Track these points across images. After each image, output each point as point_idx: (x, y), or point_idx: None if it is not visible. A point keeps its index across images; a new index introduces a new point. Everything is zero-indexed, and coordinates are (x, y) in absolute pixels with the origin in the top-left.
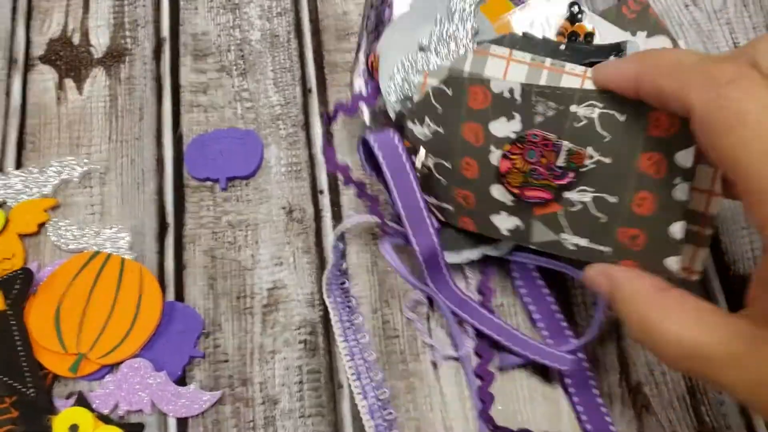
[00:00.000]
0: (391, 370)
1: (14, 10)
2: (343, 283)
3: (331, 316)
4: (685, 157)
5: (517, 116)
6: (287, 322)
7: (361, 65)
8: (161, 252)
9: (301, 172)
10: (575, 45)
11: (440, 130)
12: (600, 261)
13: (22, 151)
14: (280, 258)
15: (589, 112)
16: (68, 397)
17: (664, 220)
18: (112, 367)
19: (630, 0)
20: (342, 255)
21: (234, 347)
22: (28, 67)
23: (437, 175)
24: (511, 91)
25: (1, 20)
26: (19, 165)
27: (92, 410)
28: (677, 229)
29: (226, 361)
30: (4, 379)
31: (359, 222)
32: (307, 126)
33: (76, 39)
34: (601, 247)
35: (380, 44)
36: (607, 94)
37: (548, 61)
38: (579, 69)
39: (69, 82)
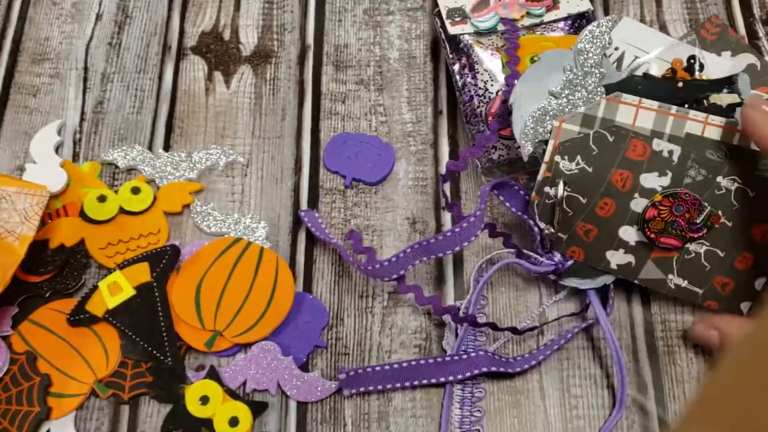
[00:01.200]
0: (498, 384)
1: (171, 0)
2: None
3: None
4: None
5: (669, 174)
6: (404, 325)
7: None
8: (294, 245)
9: (427, 188)
10: (692, 81)
11: (588, 169)
12: (691, 300)
13: (171, 134)
14: None
15: (730, 184)
16: (198, 369)
17: (754, 275)
18: (243, 347)
19: (707, 23)
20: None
21: (354, 342)
22: (180, 55)
23: (565, 207)
24: (670, 152)
25: (158, 9)
26: (167, 147)
27: (221, 384)
28: (760, 283)
29: (347, 354)
30: (145, 345)
31: (502, 265)
32: (435, 145)
33: (226, 35)
34: (696, 289)
35: (513, 94)
36: (745, 173)
37: (674, 108)
38: (701, 116)
39: (218, 75)
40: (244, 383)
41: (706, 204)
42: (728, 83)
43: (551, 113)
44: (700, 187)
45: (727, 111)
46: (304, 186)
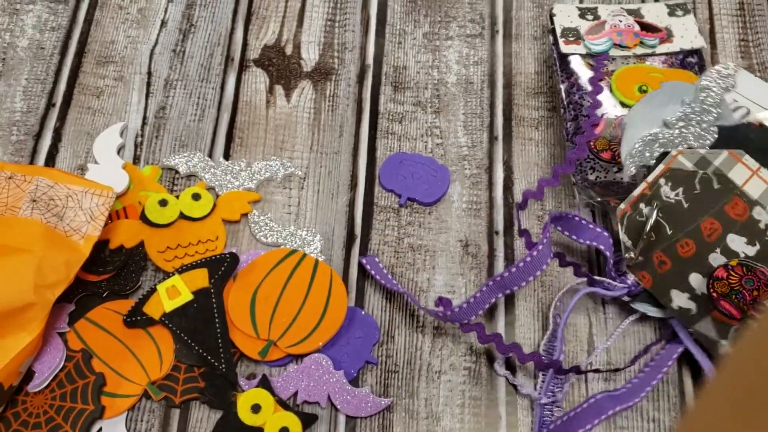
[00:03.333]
0: None
1: (235, 12)
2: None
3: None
4: None
5: (758, 246)
6: (454, 347)
7: (575, 149)
8: (347, 260)
9: (480, 212)
10: None
11: (684, 204)
12: None
13: (231, 144)
14: (453, 287)
15: None
16: (249, 377)
17: None
18: (295, 358)
19: None
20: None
21: (404, 360)
22: (243, 67)
23: (650, 230)
24: (767, 226)
25: (222, 20)
26: (227, 156)
27: (273, 394)
28: None
29: (397, 372)
30: (199, 350)
31: (581, 295)
32: (490, 170)
33: (288, 50)
34: None
35: (628, 115)
36: None
37: None
38: None
39: (279, 89)
40: (295, 394)
41: None
42: None
43: (661, 141)
44: None
45: None
46: (359, 202)
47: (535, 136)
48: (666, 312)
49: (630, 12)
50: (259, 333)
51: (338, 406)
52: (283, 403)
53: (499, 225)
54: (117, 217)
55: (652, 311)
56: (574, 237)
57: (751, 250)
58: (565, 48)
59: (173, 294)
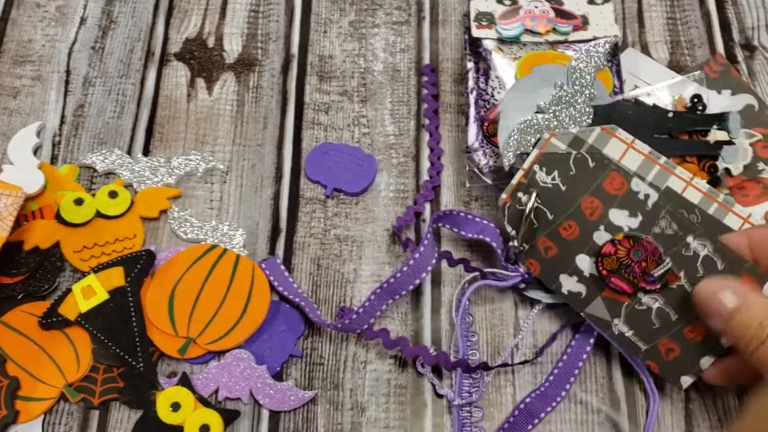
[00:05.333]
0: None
1: (156, 6)
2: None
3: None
4: None
5: (640, 217)
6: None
7: (473, 132)
8: (272, 253)
9: (407, 200)
10: (681, 114)
11: (562, 187)
12: (631, 351)
13: (151, 139)
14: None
15: (700, 248)
16: (170, 376)
17: (701, 351)
18: (216, 355)
19: (711, 61)
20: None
21: (330, 352)
22: (163, 61)
23: (532, 218)
24: (647, 196)
25: (143, 15)
26: (146, 152)
27: (193, 392)
28: (706, 361)
29: (322, 364)
30: (117, 350)
31: (471, 291)
32: (417, 158)
33: (210, 42)
34: (640, 343)
35: (502, 103)
36: (721, 244)
37: (663, 159)
38: (686, 175)
39: (200, 82)
40: (216, 391)
41: (668, 259)
42: (719, 120)
43: (536, 127)
44: (668, 240)
45: (715, 147)
46: (284, 195)
47: (461, 122)
48: (557, 297)
49: None
50: (177, 330)
51: (260, 401)
52: (203, 401)
53: (426, 213)
54: (33, 218)
55: (545, 297)
56: (462, 232)
57: (634, 222)
58: (476, 32)
59: (89, 294)
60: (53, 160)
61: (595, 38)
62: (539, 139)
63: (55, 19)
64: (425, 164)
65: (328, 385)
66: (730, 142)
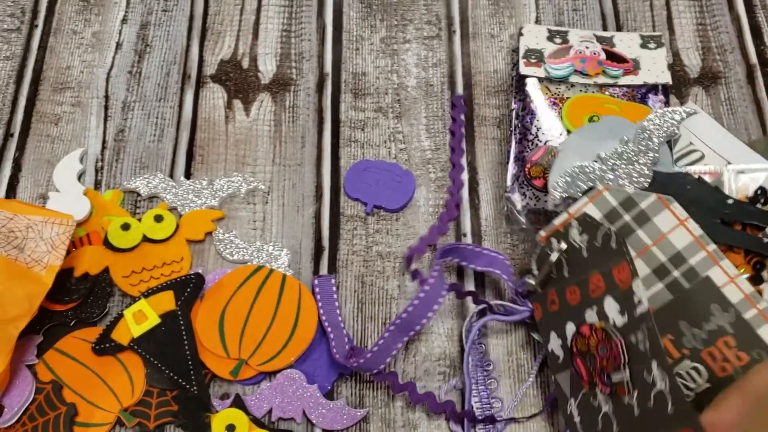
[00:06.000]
0: None
1: (190, 29)
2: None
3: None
4: None
5: (626, 319)
6: (428, 352)
7: (511, 171)
8: (316, 272)
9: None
10: (742, 204)
11: (585, 252)
12: None
13: (192, 161)
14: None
15: (659, 380)
16: (222, 397)
17: None
18: (267, 375)
19: None
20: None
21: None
22: (200, 83)
23: (552, 267)
24: (639, 302)
25: (178, 38)
26: (188, 175)
27: (247, 413)
28: None
29: (371, 381)
30: (170, 374)
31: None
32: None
33: (245, 63)
34: None
35: (563, 143)
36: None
37: (712, 246)
38: (732, 271)
39: (237, 103)
40: (270, 411)
41: (626, 371)
42: None
43: (590, 175)
44: (637, 355)
45: (765, 246)
46: (325, 213)
47: (497, 134)
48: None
49: (601, 39)
50: (229, 353)
51: (314, 421)
52: (257, 422)
53: (467, 227)
54: (80, 244)
55: (539, 338)
56: (471, 266)
57: (620, 320)
58: (524, 69)
59: (140, 318)
60: (97, 185)
61: (645, 84)
62: (591, 188)
63: (91, 45)
64: (462, 177)
65: (379, 403)
66: None
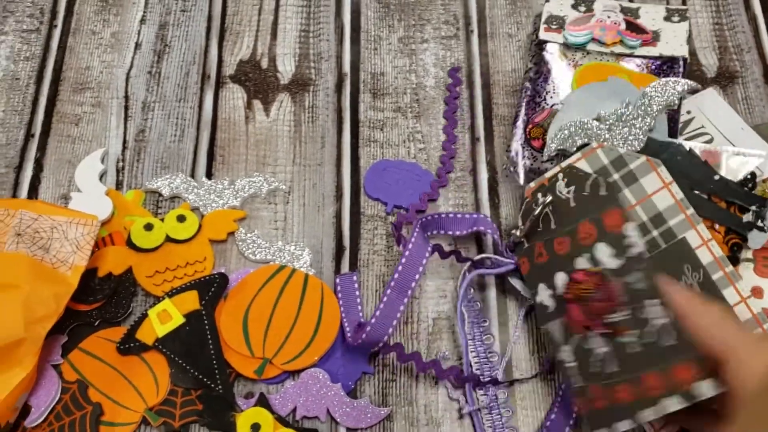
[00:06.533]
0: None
1: (208, 29)
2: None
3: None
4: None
5: (622, 262)
6: (451, 351)
7: (519, 132)
8: (337, 272)
9: None
10: (728, 181)
11: (572, 203)
12: (567, 381)
13: (213, 162)
14: (445, 291)
15: (657, 316)
16: (246, 396)
17: (620, 414)
18: (291, 374)
19: None
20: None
21: (402, 368)
22: (219, 84)
23: (539, 221)
24: (634, 243)
25: (196, 38)
26: (209, 175)
27: (271, 411)
28: (620, 427)
29: (394, 380)
30: (195, 373)
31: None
32: (474, 171)
33: (264, 63)
34: (577, 378)
35: (567, 97)
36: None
37: (690, 210)
38: (706, 234)
39: (257, 104)
40: (294, 410)
41: (624, 312)
42: (761, 204)
43: (588, 132)
44: (633, 295)
45: (746, 227)
46: (345, 213)
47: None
48: (534, 295)
49: (626, 10)
50: (253, 352)
51: (338, 419)
52: (282, 420)
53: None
54: (103, 245)
55: (522, 290)
56: (452, 232)
57: (613, 264)
58: (544, 34)
59: (165, 318)
60: (118, 185)
61: (661, 56)
62: (585, 145)
63: (110, 46)
64: (482, 177)
65: (402, 401)
66: (762, 229)
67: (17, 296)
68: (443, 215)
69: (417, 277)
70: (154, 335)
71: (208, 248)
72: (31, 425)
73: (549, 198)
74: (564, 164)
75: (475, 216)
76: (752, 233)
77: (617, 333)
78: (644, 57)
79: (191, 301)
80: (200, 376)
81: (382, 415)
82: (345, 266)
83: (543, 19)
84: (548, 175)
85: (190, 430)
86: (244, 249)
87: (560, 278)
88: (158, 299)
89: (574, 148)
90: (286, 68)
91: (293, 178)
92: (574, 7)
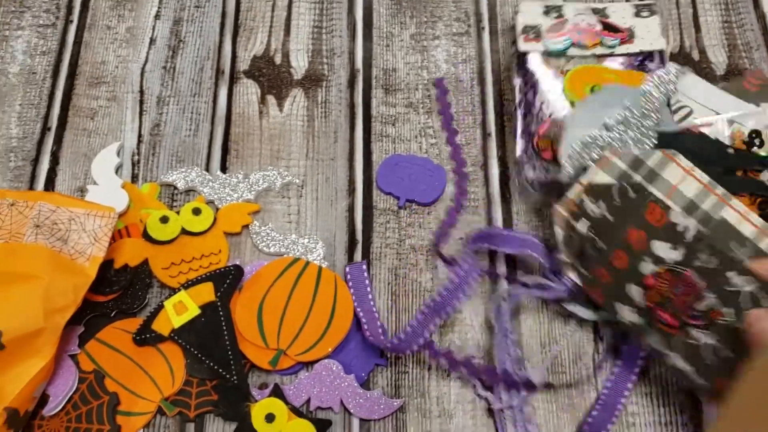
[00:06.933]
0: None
1: (222, 25)
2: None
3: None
4: None
5: (681, 250)
6: (462, 344)
7: (520, 145)
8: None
9: (478, 209)
10: (743, 152)
11: (609, 217)
12: (692, 386)
13: (227, 156)
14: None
15: (743, 284)
16: (261, 387)
17: None
18: (306, 365)
19: (749, 77)
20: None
21: (414, 360)
22: (233, 79)
23: (586, 246)
24: (686, 228)
25: (210, 34)
26: (224, 169)
27: (285, 402)
28: None
29: (407, 372)
30: (210, 364)
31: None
32: (485, 167)
33: (277, 59)
34: (700, 380)
35: (568, 116)
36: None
37: (720, 189)
38: (742, 208)
39: (271, 99)
40: (308, 401)
41: (711, 294)
42: None
43: (600, 143)
44: (710, 275)
45: None
46: (358, 207)
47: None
48: (598, 314)
49: (596, 11)
50: (268, 343)
51: (351, 410)
52: (296, 411)
53: (498, 221)
54: (119, 237)
55: (586, 314)
56: (502, 249)
57: (676, 255)
58: (523, 45)
59: (180, 309)
60: (134, 178)
61: (641, 52)
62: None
63: (125, 41)
64: (494, 171)
65: (415, 393)
66: None
67: (37, 287)
68: (494, 231)
69: (461, 298)
70: (170, 326)
71: (223, 241)
72: (49, 414)
73: (587, 226)
74: (584, 181)
75: (525, 236)
76: None
77: (714, 318)
78: (625, 55)
79: (207, 292)
80: (215, 367)
81: (394, 406)
82: (358, 259)
83: (519, 30)
84: (572, 196)
85: (205, 420)
86: (258, 242)
87: (634, 291)
88: (174, 291)
89: (591, 162)
90: (299, 64)
91: (306, 172)
92: (546, 14)
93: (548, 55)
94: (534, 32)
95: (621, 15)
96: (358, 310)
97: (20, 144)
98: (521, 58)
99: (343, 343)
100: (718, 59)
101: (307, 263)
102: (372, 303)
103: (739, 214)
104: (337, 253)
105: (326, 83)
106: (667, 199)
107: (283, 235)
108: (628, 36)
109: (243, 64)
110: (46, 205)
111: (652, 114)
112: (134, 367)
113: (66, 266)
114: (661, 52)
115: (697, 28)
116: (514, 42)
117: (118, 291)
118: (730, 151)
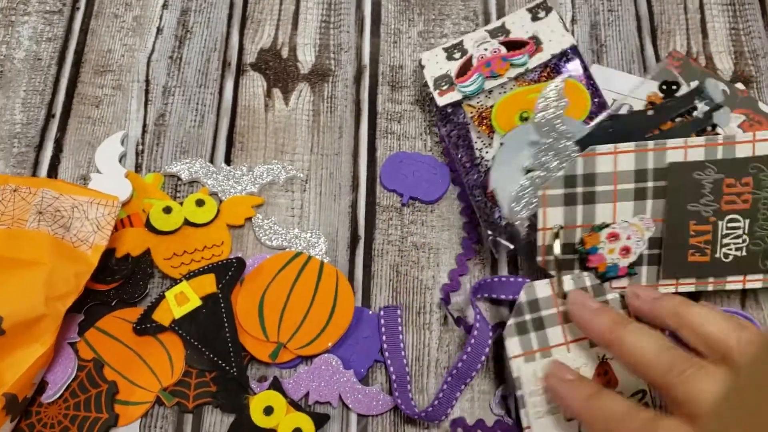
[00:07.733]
0: None
1: (230, 16)
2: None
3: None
4: None
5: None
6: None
7: (475, 200)
8: (352, 261)
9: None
10: (661, 105)
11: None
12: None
13: (232, 148)
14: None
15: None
16: (260, 380)
17: None
18: (305, 359)
19: (669, 57)
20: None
21: (413, 357)
22: (240, 71)
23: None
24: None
25: (218, 25)
26: (228, 161)
27: (284, 395)
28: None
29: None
30: (210, 355)
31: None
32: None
33: (284, 52)
34: None
35: (492, 181)
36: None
37: (651, 143)
38: (679, 142)
39: (277, 92)
40: (307, 395)
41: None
42: (698, 94)
43: (532, 187)
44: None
45: (706, 118)
46: (361, 203)
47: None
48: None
49: (495, 32)
50: (268, 336)
51: (350, 405)
52: (295, 404)
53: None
54: (122, 226)
55: None
56: (502, 296)
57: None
58: (441, 100)
59: (182, 300)
60: (137, 168)
61: (552, 56)
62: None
63: (132, 29)
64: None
65: (413, 390)
66: (717, 107)
67: (39, 273)
68: (489, 280)
69: (482, 361)
70: (170, 317)
71: (225, 233)
72: (48, 401)
73: (557, 242)
74: (539, 224)
75: (519, 280)
76: (715, 116)
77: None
78: (540, 66)
79: (208, 284)
80: (215, 359)
81: (392, 402)
82: (360, 255)
83: (431, 85)
84: (540, 241)
85: (204, 411)
86: (260, 235)
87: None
88: (175, 281)
89: (536, 207)
90: (306, 58)
91: (311, 166)
92: (449, 58)
93: (468, 98)
94: (446, 81)
95: (520, 25)
96: (389, 363)
97: (24, 130)
98: (443, 112)
99: (342, 339)
100: (725, 66)
101: (309, 258)
102: (403, 356)
103: (682, 148)
104: (339, 248)
105: (333, 78)
106: (618, 190)
107: (285, 229)
108: (535, 45)
109: (250, 57)
110: (49, 191)
111: (561, 137)
112: (134, 357)
113: (68, 253)
114: (573, 48)
115: (705, 34)
116: (432, 99)
117: (120, 280)
118: (650, 112)
